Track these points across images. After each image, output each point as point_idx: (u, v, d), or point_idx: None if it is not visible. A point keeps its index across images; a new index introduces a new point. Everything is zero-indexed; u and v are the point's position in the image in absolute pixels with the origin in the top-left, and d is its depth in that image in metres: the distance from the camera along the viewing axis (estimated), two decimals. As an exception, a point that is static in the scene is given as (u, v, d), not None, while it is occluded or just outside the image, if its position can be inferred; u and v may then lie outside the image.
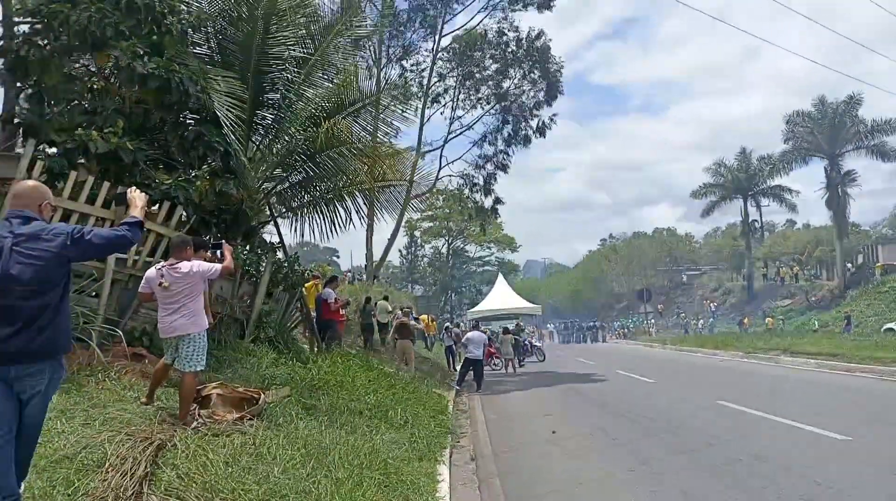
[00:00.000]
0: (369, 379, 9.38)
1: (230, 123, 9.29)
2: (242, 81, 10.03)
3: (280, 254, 11.76)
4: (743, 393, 12.98)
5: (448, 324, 26.01)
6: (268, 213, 11.29)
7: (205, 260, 6.41)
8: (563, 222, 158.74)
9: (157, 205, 8.23)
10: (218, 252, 6.26)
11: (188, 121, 9.43)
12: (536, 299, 49.03)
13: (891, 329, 31.30)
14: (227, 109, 9.21)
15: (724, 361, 22.14)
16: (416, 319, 18.96)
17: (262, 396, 6.59)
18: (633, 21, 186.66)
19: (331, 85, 11.17)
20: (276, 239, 12.32)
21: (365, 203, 13.12)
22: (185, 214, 8.68)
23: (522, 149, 24.14)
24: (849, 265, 47.70)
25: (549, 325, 60.14)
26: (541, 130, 23.36)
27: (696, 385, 15.77)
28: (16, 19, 9.00)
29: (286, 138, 10.81)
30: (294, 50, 10.64)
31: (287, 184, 11.78)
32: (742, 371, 18.28)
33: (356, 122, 11.30)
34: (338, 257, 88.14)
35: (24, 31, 8.62)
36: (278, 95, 11.12)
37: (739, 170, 53.94)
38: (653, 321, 49.51)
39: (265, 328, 9.74)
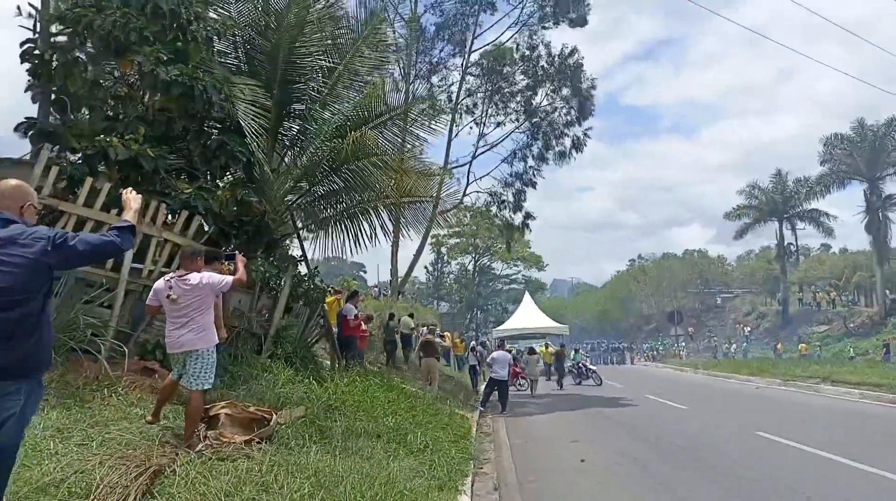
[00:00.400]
0: (389, 400, 8.98)
1: (254, 133, 9.09)
2: (268, 90, 9.86)
3: (302, 268, 11.49)
4: (783, 424, 12.25)
5: (474, 343, 25.32)
6: (291, 226, 11.04)
7: (220, 273, 6.12)
8: (591, 241, 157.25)
9: (176, 214, 8.03)
10: (232, 264, 5.96)
11: (211, 130, 9.24)
12: (563, 319, 48.20)
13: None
14: (251, 119, 9.02)
15: (761, 388, 21.19)
16: (442, 336, 18.50)
17: (275, 417, 6.25)
18: (666, 42, 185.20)
19: (357, 96, 10.95)
20: (299, 253, 12.11)
21: (390, 219, 12.83)
22: (204, 224, 8.47)
23: (556, 166, 23.73)
24: (886, 292, 46.00)
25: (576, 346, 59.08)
26: (577, 146, 22.86)
27: (731, 414, 15.00)
28: (52, 29, 8.96)
29: (311, 150, 10.59)
30: (322, 60, 10.45)
31: (311, 197, 11.54)
32: (781, 400, 17.42)
33: (382, 135, 11.04)
34: (364, 272, 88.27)
35: (57, 41, 8.55)
36: (304, 107, 10.93)
37: (775, 192, 52.65)
38: (683, 344, 48.29)
39: (283, 343, 9.43)
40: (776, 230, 53.94)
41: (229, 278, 5.66)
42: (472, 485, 7.47)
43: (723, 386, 23.19)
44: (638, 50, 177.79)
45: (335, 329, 12.34)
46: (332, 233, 12.20)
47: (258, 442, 5.79)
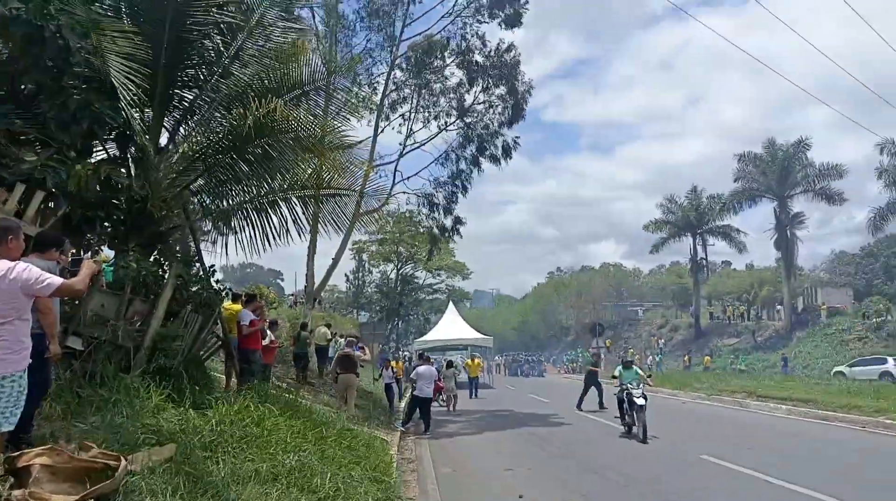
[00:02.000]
0: (293, 429, 7.31)
1: (131, 97, 7.23)
2: (155, 48, 8.04)
3: (195, 268, 9.59)
4: (726, 445, 11.51)
5: (390, 357, 22.98)
6: (182, 216, 9.15)
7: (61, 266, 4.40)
8: (512, 253, 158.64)
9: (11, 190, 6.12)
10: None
11: (74, 89, 7.29)
12: (485, 330, 47.27)
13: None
14: (128, 78, 7.16)
15: (687, 403, 20.82)
16: (361, 348, 16.72)
17: (123, 463, 4.51)
18: (586, 62, 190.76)
19: (268, 61, 9.19)
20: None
21: (305, 214, 11.15)
22: (53, 204, 6.59)
23: (482, 172, 22.32)
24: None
25: (496, 357, 58.39)
26: (507, 152, 21.73)
27: (670, 434, 14.14)
28: None
29: (206, 120, 8.84)
30: (225, 14, 8.65)
31: (209, 182, 9.69)
32: (715, 417, 16.91)
33: (295, 111, 9.34)
34: (282, 279, 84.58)
35: None
36: (201, 73, 9.12)
37: (690, 209, 54.19)
38: (602, 356, 48.48)
39: (162, 357, 7.57)
40: (690, 246, 55.61)
41: (55, 281, 3.91)
42: (394, 537, 6.01)
43: (650, 402, 22.67)
44: (558, 69, 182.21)
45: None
46: (237, 227, 10.41)
47: (94, 503, 4.09)
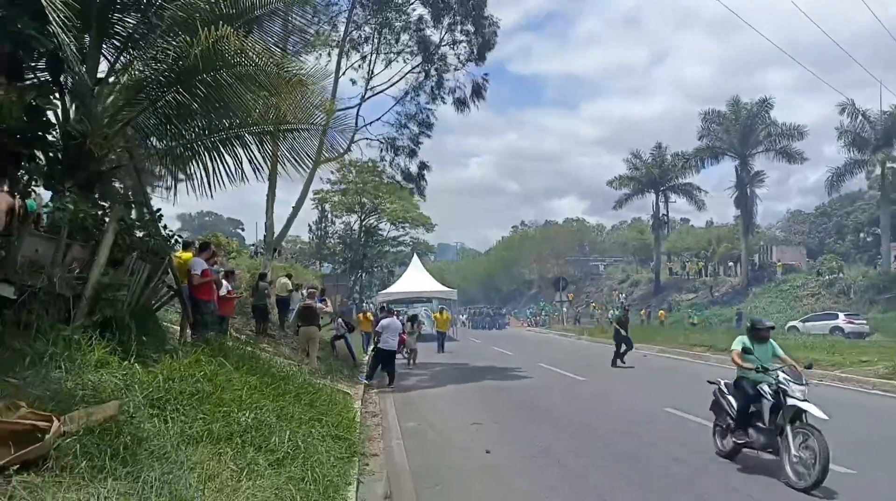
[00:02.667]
0: (249, 385, 6.89)
1: (61, 19, 6.39)
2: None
3: (144, 213, 8.89)
4: (688, 399, 11.53)
5: (354, 309, 22.25)
6: (124, 154, 8.40)
7: None
8: (475, 206, 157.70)
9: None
10: None
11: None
12: (448, 283, 47.18)
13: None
14: (57, -4, 6.31)
15: (649, 356, 21.10)
16: (323, 300, 16.21)
17: (56, 424, 4.03)
18: (553, 15, 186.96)
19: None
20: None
21: (261, 152, 10.41)
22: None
23: (452, 118, 21.62)
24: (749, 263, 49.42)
25: (460, 314, 58.63)
26: (477, 92, 20.87)
27: (630, 385, 14.35)
28: None
29: (153, 52, 8.02)
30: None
31: (156, 118, 8.89)
32: (676, 371, 17.17)
33: (248, 40, 8.54)
34: (242, 229, 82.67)
35: None
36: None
37: (653, 165, 54.27)
38: (566, 309, 49.26)
39: (105, 307, 6.99)
40: (652, 202, 55.93)
41: None
42: (357, 491, 5.71)
43: (610, 354, 22.97)
44: (525, 19, 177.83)
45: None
46: (189, 169, 9.65)
47: (19, 470, 3.62)
